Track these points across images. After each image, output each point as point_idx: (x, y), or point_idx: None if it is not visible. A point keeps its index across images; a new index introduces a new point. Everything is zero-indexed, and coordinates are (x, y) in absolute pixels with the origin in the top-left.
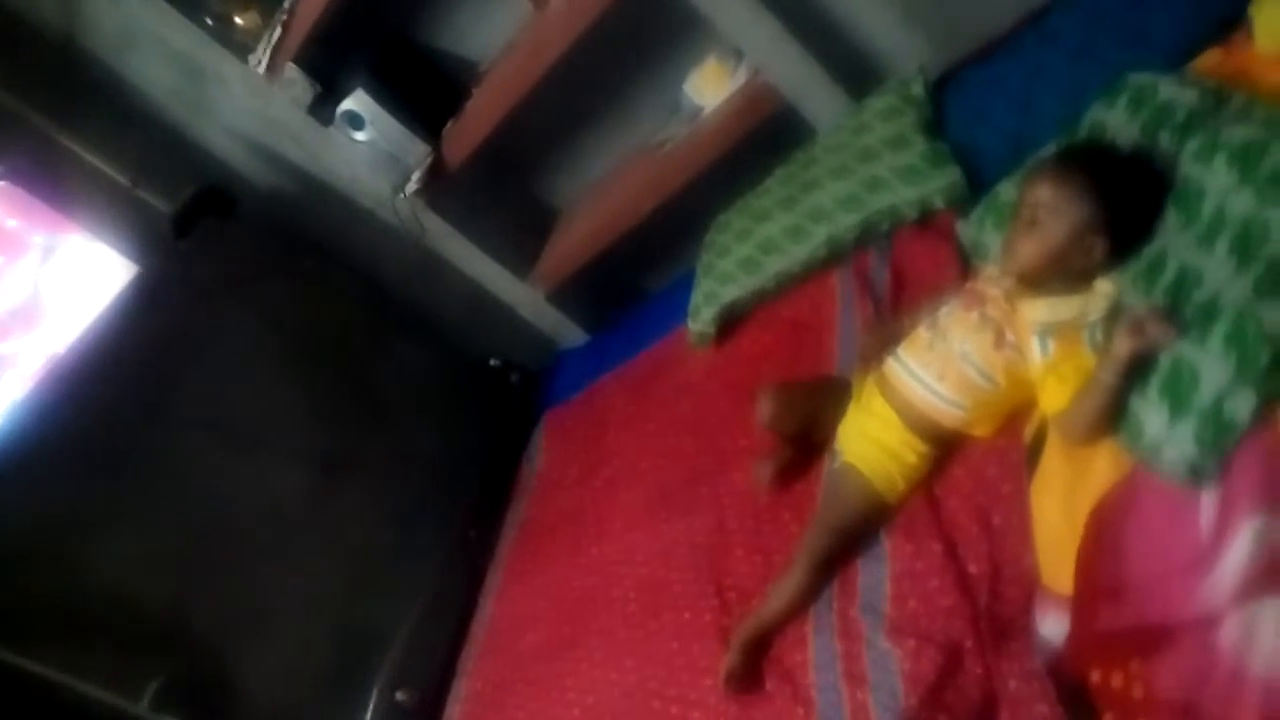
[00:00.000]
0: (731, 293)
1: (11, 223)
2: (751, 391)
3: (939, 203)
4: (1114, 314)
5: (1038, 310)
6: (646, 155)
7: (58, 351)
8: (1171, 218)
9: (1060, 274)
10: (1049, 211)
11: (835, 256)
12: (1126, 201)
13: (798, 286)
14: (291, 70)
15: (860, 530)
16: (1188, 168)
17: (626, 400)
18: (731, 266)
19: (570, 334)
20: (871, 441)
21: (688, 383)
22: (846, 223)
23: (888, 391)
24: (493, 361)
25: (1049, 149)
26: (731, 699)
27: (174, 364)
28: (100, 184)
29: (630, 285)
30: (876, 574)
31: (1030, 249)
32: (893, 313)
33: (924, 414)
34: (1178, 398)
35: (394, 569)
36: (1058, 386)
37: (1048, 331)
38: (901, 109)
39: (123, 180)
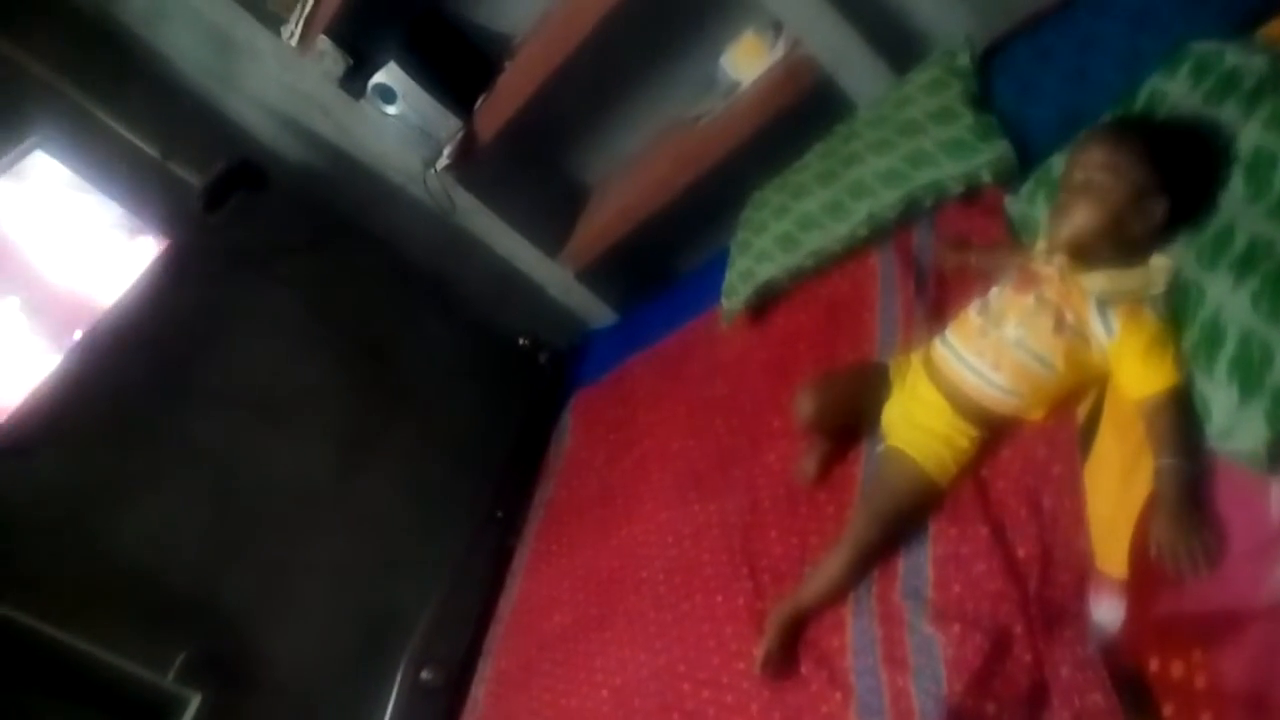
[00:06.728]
0: (768, 271)
1: (44, 193)
2: (788, 372)
3: (986, 177)
4: (1172, 288)
5: (1095, 281)
6: (681, 131)
7: (88, 324)
8: (1240, 189)
9: (1115, 242)
10: (1105, 171)
11: (876, 234)
12: (1182, 163)
13: (837, 265)
14: (323, 42)
15: (911, 516)
16: (1257, 137)
17: (657, 381)
18: (768, 244)
19: (600, 314)
20: (919, 428)
21: (722, 363)
22: (888, 198)
23: (936, 378)
24: (521, 340)
25: (1103, 121)
26: (765, 682)
27: (203, 338)
28: (131, 156)
29: (662, 265)
30: (919, 557)
31: (1085, 213)
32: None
33: (976, 401)
34: (1248, 377)
35: (420, 548)
36: (1139, 367)
37: (1106, 301)
38: (947, 81)
39: (154, 153)
